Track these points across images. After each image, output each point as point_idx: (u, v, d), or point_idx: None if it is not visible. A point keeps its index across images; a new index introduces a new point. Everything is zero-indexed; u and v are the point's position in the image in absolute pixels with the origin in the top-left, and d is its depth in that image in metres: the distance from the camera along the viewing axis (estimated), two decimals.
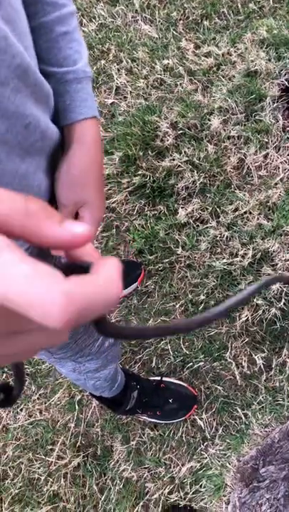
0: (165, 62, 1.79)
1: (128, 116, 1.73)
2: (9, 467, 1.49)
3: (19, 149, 0.52)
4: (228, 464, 1.38)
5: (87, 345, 0.88)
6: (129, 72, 1.82)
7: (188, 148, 1.64)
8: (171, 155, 1.65)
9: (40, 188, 0.60)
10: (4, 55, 0.45)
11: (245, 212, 1.56)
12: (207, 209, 1.59)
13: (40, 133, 0.55)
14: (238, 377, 1.46)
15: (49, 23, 0.60)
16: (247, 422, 1.41)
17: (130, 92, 1.78)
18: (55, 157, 0.63)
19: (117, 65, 1.83)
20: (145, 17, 1.89)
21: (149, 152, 1.66)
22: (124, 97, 1.78)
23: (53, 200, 0.65)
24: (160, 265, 1.58)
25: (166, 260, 1.58)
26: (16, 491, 1.46)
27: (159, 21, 1.86)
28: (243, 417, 1.42)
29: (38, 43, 0.61)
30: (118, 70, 1.82)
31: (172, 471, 1.41)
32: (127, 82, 1.79)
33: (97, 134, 0.66)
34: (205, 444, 1.42)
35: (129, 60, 1.82)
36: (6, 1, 0.46)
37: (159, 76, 1.78)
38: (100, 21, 1.89)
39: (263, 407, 1.41)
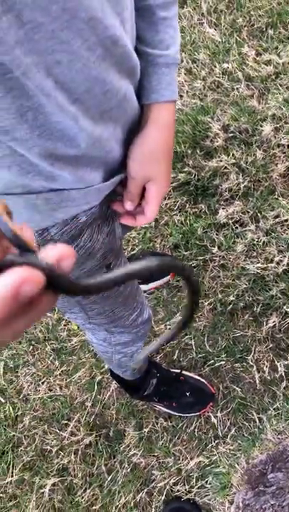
0: (225, 66, 1.81)
1: (182, 114, 1.76)
2: (24, 435, 1.55)
3: (94, 112, 0.57)
4: (236, 465, 1.38)
5: (122, 316, 0.92)
6: (188, 72, 1.85)
7: (236, 151, 1.66)
8: (219, 156, 1.67)
9: (109, 155, 0.64)
10: (98, 24, 0.50)
11: (285, 220, 1.57)
12: (248, 212, 1.60)
13: (116, 101, 0.59)
14: (257, 381, 1.46)
15: (152, 7, 0.65)
16: (261, 427, 1.42)
17: (187, 91, 1.81)
18: (132, 131, 0.67)
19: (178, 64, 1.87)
20: (211, 20, 1.92)
21: (198, 151, 1.69)
22: (180, 96, 1.82)
23: (123, 170, 0.70)
24: (194, 262, 1.60)
25: (201, 258, 1.60)
26: (28, 459, 1.51)
27: (224, 26, 1.90)
28: (258, 421, 1.43)
29: (139, 22, 0.65)
30: (178, 69, 1.86)
31: (180, 463, 1.43)
32: (185, 81, 1.83)
33: (173, 116, 0.70)
34: (216, 441, 1.44)
35: (190, 61, 1.86)
36: None
37: (217, 79, 1.81)
38: None
39: (279, 413, 1.41)
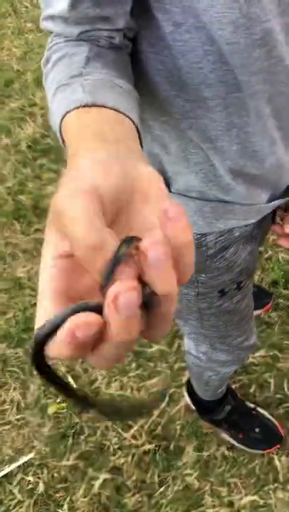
0: None
1: None
2: (87, 426, 1.60)
3: (286, 139, 0.62)
4: None
5: (232, 335, 0.95)
6: None
7: None
8: None
9: (281, 180, 0.69)
10: None
11: None
12: None
13: None
14: None
15: None
16: None
17: None
18: None
19: None
20: None
21: None
22: None
23: (285, 195, 0.74)
24: None
25: None
26: (86, 449, 1.56)
27: None
28: None
29: None
30: None
31: (234, 497, 1.42)
32: None
33: None
34: (275, 485, 1.41)
35: None
36: None
37: None
38: None
39: None
